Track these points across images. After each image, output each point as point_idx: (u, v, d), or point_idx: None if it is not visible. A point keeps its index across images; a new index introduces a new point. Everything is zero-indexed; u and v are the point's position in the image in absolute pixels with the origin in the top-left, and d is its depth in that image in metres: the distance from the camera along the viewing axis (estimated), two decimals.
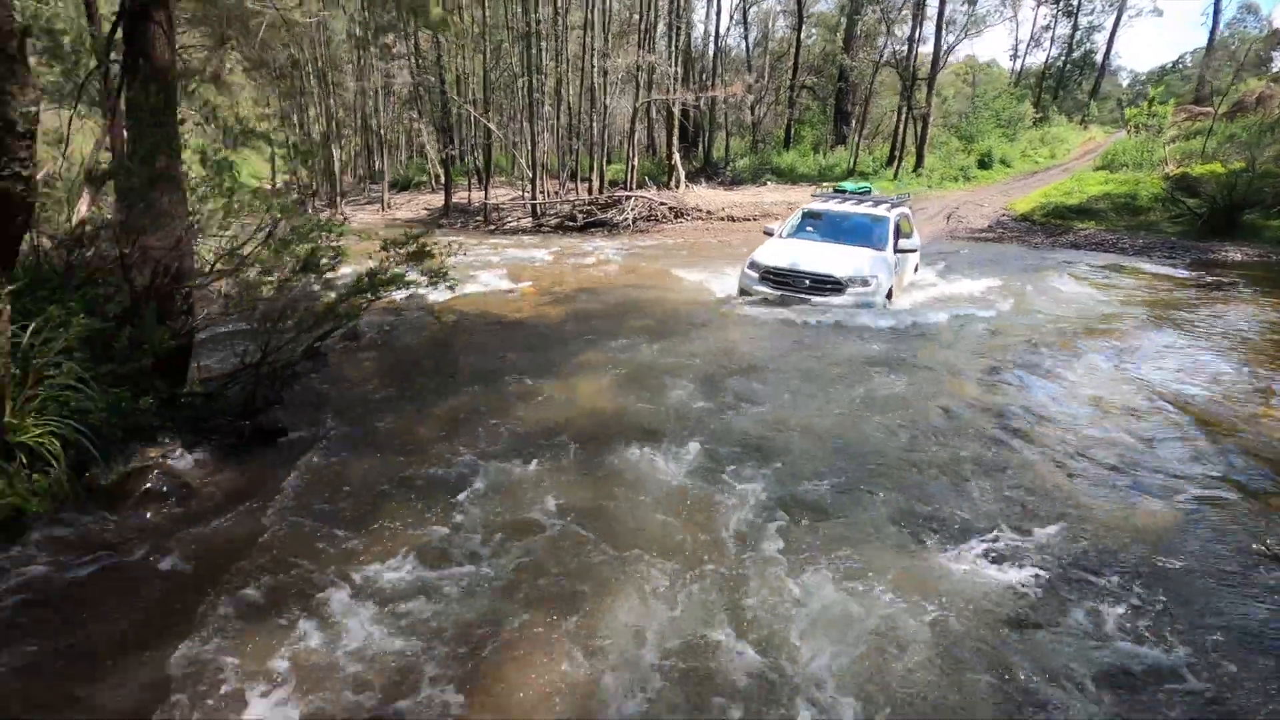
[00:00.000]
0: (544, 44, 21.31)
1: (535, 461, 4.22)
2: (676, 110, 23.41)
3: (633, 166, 22.06)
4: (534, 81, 20.82)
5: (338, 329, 5.75)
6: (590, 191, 22.11)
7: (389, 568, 3.12)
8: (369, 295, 5.44)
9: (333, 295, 5.42)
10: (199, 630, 2.67)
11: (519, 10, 22.32)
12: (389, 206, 24.32)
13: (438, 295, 6.59)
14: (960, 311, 8.67)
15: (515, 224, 19.81)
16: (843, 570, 3.19)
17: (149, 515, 3.42)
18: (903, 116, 25.86)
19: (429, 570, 3.12)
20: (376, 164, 27.43)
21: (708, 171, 27.32)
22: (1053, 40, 38.75)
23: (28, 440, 3.23)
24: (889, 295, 8.61)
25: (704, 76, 30.09)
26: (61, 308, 3.43)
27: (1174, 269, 12.57)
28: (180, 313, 4.67)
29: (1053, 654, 2.69)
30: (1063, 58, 38.94)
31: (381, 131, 26.98)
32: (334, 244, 5.49)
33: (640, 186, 22.10)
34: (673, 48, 24.05)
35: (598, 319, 8.16)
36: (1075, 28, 37.90)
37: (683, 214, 19.76)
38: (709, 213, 20.10)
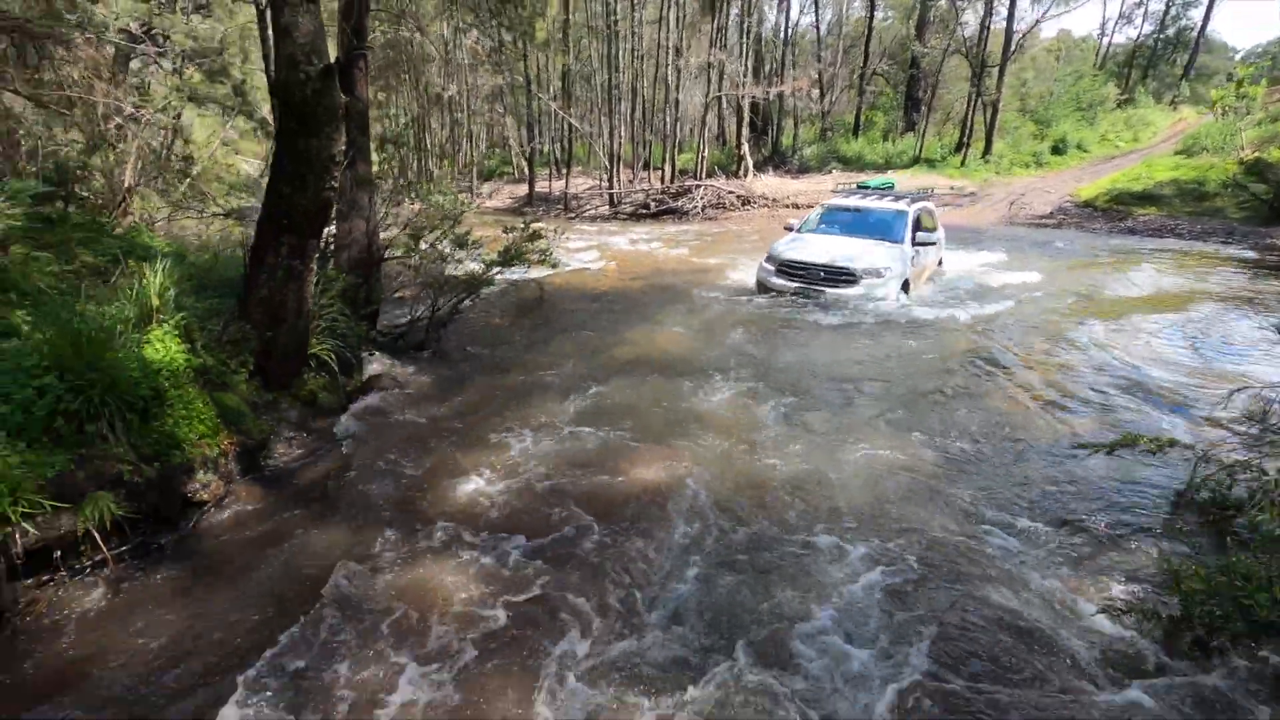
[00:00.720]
0: (621, 43, 22.96)
1: (622, 380, 5.94)
2: (746, 102, 24.59)
3: (702, 157, 23.45)
4: (611, 78, 22.54)
5: (475, 293, 7.65)
6: (662, 180, 23.69)
7: (537, 423, 4.94)
8: (501, 267, 7.30)
9: (461, 268, 7.33)
10: (438, 447, 4.55)
11: (599, 10, 24.05)
12: (477, 196, 26.66)
13: (539, 272, 8.50)
14: (981, 287, 9.84)
15: (593, 211, 21.63)
16: (833, 441, 4.74)
17: (386, 401, 5.34)
18: (972, 103, 26.06)
19: (562, 427, 4.90)
20: (463, 155, 29.88)
21: (775, 160, 28.31)
22: (1145, 16, 37.23)
23: (317, 353, 5.19)
24: (905, 288, 8.95)
25: (774, 66, 31.01)
26: (332, 269, 5.37)
27: (1226, 251, 13.03)
28: (379, 278, 6.65)
29: (950, 482, 4.20)
30: (1155, 35, 37.33)
31: (470, 126, 29.38)
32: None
33: (710, 176, 23.50)
34: (744, 42, 25.18)
35: (667, 292, 9.81)
36: (1170, 3, 36.28)
37: (750, 201, 21.04)
38: (774, 200, 21.30)
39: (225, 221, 10.58)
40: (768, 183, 23.85)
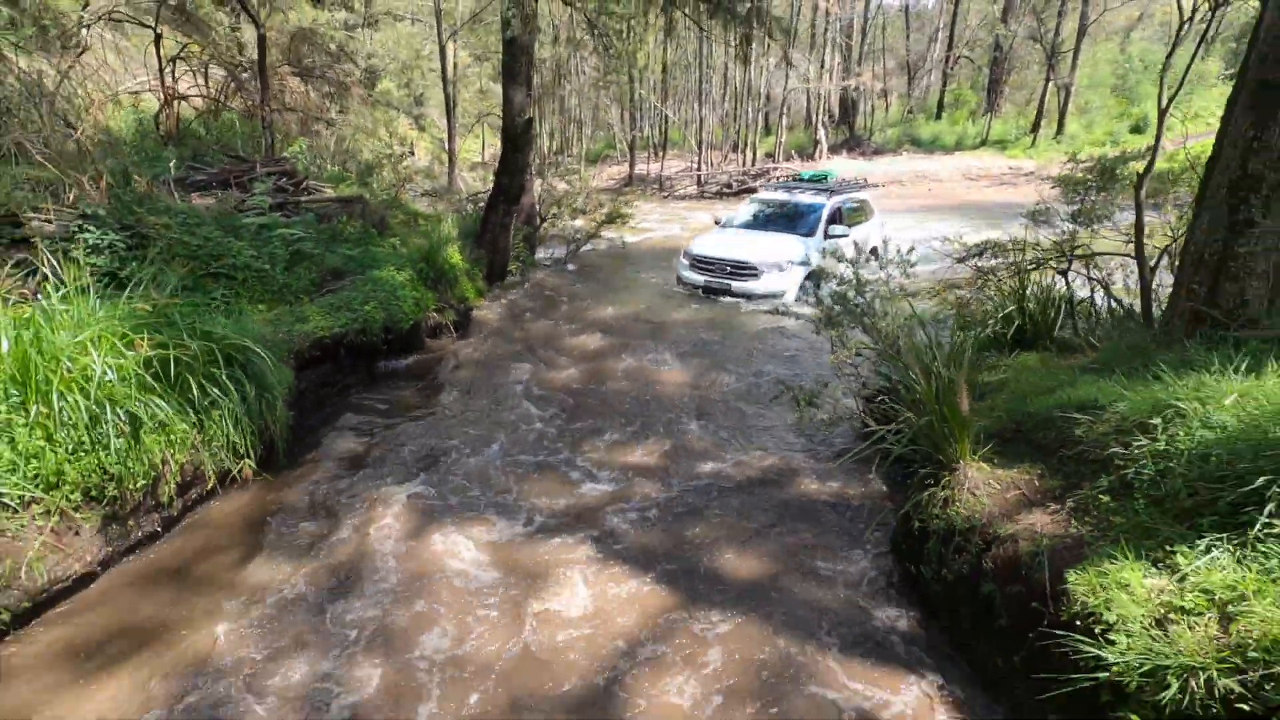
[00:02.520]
0: (713, 43, 26.42)
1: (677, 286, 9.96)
2: (823, 91, 27.41)
3: (780, 141, 26.64)
4: (703, 74, 26.10)
5: (591, 239, 11.83)
6: (745, 163, 27.12)
7: (627, 296, 9.18)
8: (607, 224, 11.46)
9: (582, 225, 11.56)
10: (571, 304, 8.89)
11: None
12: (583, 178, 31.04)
13: (632, 235, 12.62)
14: None
15: (683, 191, 25.44)
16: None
17: (544, 291, 9.67)
18: (1045, 85, 27.45)
19: (640, 300, 9.04)
20: (572, 140, 34.41)
21: (850, 143, 30.80)
22: None
23: (511, 269, 9.56)
24: (813, 278, 9.03)
25: (863, 49, 33.18)
26: (518, 224, 9.71)
27: None
28: (538, 230, 11.00)
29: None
30: None
31: (580, 115, 33.80)
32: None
33: (788, 158, 26.65)
34: (826, 36, 27.89)
35: None
36: None
37: None
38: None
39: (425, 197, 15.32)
40: (839, 165, 26.65)
